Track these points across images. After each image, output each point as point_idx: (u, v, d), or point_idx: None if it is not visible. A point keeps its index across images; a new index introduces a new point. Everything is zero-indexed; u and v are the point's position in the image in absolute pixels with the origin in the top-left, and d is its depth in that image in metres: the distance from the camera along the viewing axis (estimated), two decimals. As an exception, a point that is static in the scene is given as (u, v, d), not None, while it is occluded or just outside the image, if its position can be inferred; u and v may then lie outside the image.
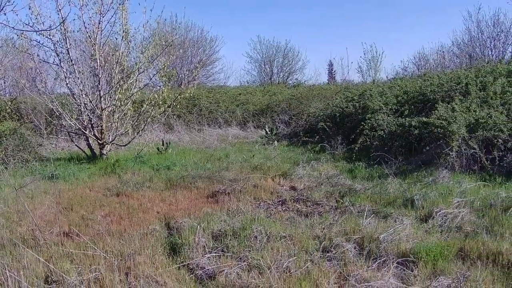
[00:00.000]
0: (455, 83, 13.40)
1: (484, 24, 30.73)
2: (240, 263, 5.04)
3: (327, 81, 40.48)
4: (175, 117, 19.58)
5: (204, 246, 5.61)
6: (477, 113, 10.78)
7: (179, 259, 5.35)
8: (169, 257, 5.43)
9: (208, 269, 5.02)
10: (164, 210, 7.65)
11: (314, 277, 4.62)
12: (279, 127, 18.72)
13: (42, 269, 4.90)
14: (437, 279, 4.66)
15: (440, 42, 41.04)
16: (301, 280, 4.53)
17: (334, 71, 44.28)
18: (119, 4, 11.60)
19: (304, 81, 38.15)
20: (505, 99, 11.44)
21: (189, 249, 5.57)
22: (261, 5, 71.49)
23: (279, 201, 8.27)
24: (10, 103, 18.88)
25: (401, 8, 66.19)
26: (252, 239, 5.72)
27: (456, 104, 11.35)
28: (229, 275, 4.75)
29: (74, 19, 11.64)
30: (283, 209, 7.75)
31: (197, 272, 4.97)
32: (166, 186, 9.51)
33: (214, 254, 5.40)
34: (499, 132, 9.97)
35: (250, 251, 5.34)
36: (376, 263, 5.04)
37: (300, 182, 9.51)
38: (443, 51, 32.71)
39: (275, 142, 15.44)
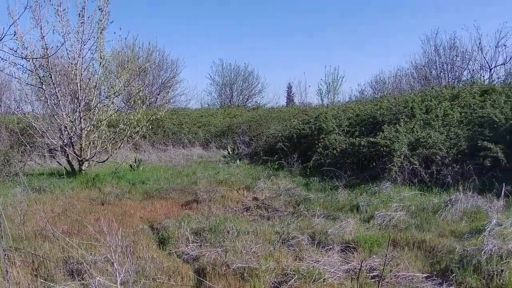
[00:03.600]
0: (402, 106, 14.98)
1: (441, 48, 32.30)
2: (217, 249, 6.52)
3: (286, 104, 42.15)
4: (140, 137, 20.87)
5: (187, 239, 7.10)
6: (418, 134, 12.24)
7: (168, 248, 6.83)
8: (159, 247, 6.90)
9: (192, 254, 6.52)
10: (146, 215, 9.03)
11: (276, 257, 6.10)
12: (240, 147, 19.94)
13: (61, 255, 6.29)
14: (371, 258, 6.17)
15: (398, 66, 42.81)
16: (266, 258, 6.02)
17: (293, 94, 45.80)
18: (99, 33, 13.05)
19: (264, 104, 39.70)
20: (446, 121, 12.98)
21: (175, 241, 7.07)
22: (222, 30, 72.91)
23: (244, 208, 9.74)
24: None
25: (363, 34, 68.27)
26: (225, 233, 7.19)
27: (400, 126, 12.89)
28: (209, 257, 6.22)
29: (57, 46, 13.07)
30: (248, 214, 9.26)
31: (184, 257, 6.46)
32: (143, 197, 10.88)
33: (196, 244, 6.90)
34: (437, 150, 11.40)
35: (224, 241, 6.81)
36: (325, 249, 6.58)
37: (262, 193, 10.97)
38: (400, 74, 34.51)
39: (237, 160, 16.77)
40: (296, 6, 71.20)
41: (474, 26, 42.78)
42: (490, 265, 5.52)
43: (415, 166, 11.33)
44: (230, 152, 18.42)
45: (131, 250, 6.42)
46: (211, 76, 44.86)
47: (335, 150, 13.37)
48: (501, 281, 5.25)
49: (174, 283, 5.32)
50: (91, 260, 5.82)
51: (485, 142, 10.83)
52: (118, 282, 4.53)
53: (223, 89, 43.78)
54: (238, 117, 26.40)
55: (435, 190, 10.38)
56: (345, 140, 13.69)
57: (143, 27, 63.11)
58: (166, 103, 15.59)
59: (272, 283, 5.41)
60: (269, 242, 6.89)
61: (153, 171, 14.65)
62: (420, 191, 10.36)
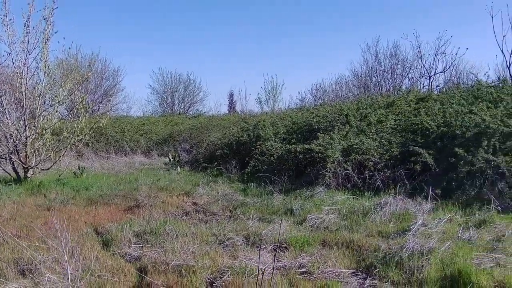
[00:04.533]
0: (338, 114, 15.54)
1: (382, 56, 32.92)
2: (157, 249, 6.99)
3: (227, 112, 42.47)
4: (84, 145, 20.99)
5: (129, 241, 7.54)
6: (352, 140, 12.73)
7: (111, 249, 7.26)
8: (103, 249, 7.33)
9: (134, 254, 6.97)
10: (90, 220, 9.38)
11: (212, 256, 6.61)
12: (181, 154, 20.22)
13: (11, 256, 6.65)
14: (301, 256, 6.74)
15: (339, 74, 43.33)
16: (203, 257, 6.52)
17: (235, 102, 46.34)
18: (44, 43, 13.31)
19: (205, 112, 40.01)
20: (380, 128, 13.56)
21: (118, 243, 7.50)
22: (164, 36, 72.93)
23: (184, 212, 10.17)
24: None
25: (305, 43, 69.57)
26: (165, 235, 7.63)
27: (334, 133, 13.46)
28: (150, 257, 6.68)
29: (3, 55, 13.28)
30: (187, 218, 9.68)
31: (126, 257, 6.89)
32: (87, 203, 11.18)
33: (137, 246, 7.35)
34: (370, 156, 11.87)
35: (164, 242, 7.27)
36: (258, 248, 7.09)
37: (201, 199, 11.41)
38: (341, 82, 34.92)
39: (178, 168, 17.09)
40: (237, 15, 71.98)
41: (413, 34, 43.04)
42: (412, 261, 6.04)
43: (348, 171, 11.77)
44: (171, 160, 18.72)
45: (78, 251, 6.82)
46: (151, 86, 45.28)
47: (272, 157, 13.83)
48: (421, 275, 5.75)
49: (117, 279, 5.79)
50: (40, 260, 6.21)
51: (416, 148, 11.31)
52: (69, 279, 4.95)
53: (164, 97, 44.11)
54: (179, 125, 26.70)
55: (367, 194, 10.87)
56: (282, 147, 14.12)
57: (86, 36, 62.56)
58: (109, 111, 15.77)
59: (208, 279, 5.91)
60: (206, 243, 7.37)
61: (96, 178, 14.88)
62: (353, 195, 10.85)
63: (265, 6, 70.74)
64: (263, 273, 5.52)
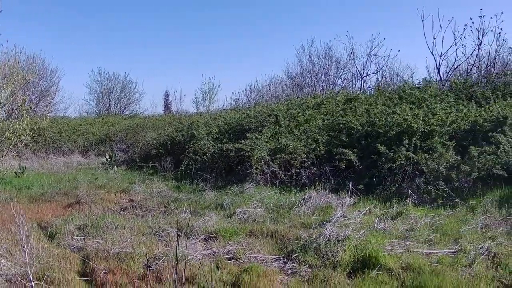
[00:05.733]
0: (268, 115, 16.07)
1: (316, 57, 32.76)
2: (99, 240, 7.62)
3: (163, 112, 42.40)
4: (23, 146, 21.00)
5: (72, 233, 8.14)
6: (280, 140, 13.28)
7: (56, 241, 7.85)
8: (49, 241, 7.90)
9: (77, 245, 7.60)
10: (34, 216, 9.83)
11: (148, 245, 7.29)
12: (118, 154, 20.43)
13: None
14: (229, 244, 7.47)
15: (273, 74, 43.23)
16: (139, 245, 7.20)
17: (170, 102, 46.34)
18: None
19: (141, 112, 40.05)
20: (308, 127, 14.10)
21: (62, 235, 8.09)
22: (102, 38, 72.25)
23: (121, 208, 10.75)
24: None
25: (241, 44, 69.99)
26: (105, 228, 8.22)
27: (264, 132, 14.05)
28: (92, 246, 7.31)
29: None
30: (125, 213, 10.26)
31: (70, 248, 7.51)
32: (30, 200, 11.59)
33: (80, 237, 7.98)
34: (297, 155, 12.33)
35: (104, 234, 7.89)
36: (191, 238, 7.80)
37: (137, 196, 11.95)
38: (275, 83, 34.70)
39: (115, 167, 17.44)
40: (176, 16, 72.08)
41: (347, 36, 43.23)
42: (328, 247, 6.71)
43: (275, 169, 12.29)
44: (108, 159, 19.08)
45: (26, 241, 7.39)
46: (89, 85, 44.77)
47: (204, 156, 14.30)
48: (336, 259, 6.43)
49: (64, 266, 6.42)
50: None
51: (341, 146, 11.92)
52: (27, 264, 5.55)
53: (101, 97, 43.80)
54: (115, 125, 26.88)
55: (293, 190, 11.39)
56: (214, 146, 14.59)
57: (25, 37, 61.46)
58: (49, 113, 15.95)
59: (145, 264, 6.60)
60: (142, 234, 7.98)
61: (37, 177, 15.17)
62: (280, 191, 11.42)
63: (202, 7, 71.07)
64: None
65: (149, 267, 6.52)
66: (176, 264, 4.68)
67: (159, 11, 72.06)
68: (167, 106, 46.47)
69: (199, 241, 7.76)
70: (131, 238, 7.59)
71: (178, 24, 72.91)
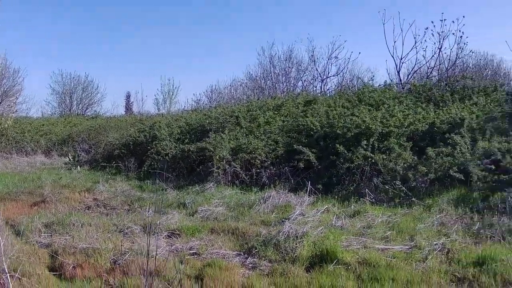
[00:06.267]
0: (229, 116, 16.27)
1: (277, 59, 32.85)
2: (66, 237, 7.83)
3: (124, 113, 42.21)
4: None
5: (40, 230, 8.30)
6: (240, 140, 13.45)
7: (24, 238, 8.00)
8: (17, 238, 8.05)
9: (45, 242, 7.77)
10: (1, 214, 10.00)
11: (113, 241, 7.52)
12: (80, 154, 20.35)
13: None
14: (192, 241, 7.75)
15: (234, 76, 43.26)
16: (105, 241, 7.43)
17: (131, 103, 46.09)
18: None
19: (103, 113, 39.72)
20: (268, 129, 14.25)
21: (29, 232, 8.22)
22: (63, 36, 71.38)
23: (86, 207, 10.90)
24: None
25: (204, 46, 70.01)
26: (71, 225, 8.43)
27: (225, 133, 14.18)
28: (60, 243, 7.51)
29: None
30: (90, 211, 10.45)
31: (38, 244, 7.69)
32: (-5, 199, 11.67)
33: (47, 234, 8.15)
34: (257, 155, 12.51)
35: (71, 231, 8.09)
36: (155, 235, 8.02)
37: (101, 195, 12.09)
38: (236, 85, 34.80)
39: (78, 167, 17.47)
40: (135, 16, 71.70)
41: (308, 39, 43.76)
42: (287, 243, 7.00)
43: (236, 169, 12.49)
44: (71, 159, 19.00)
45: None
46: (51, 86, 44.07)
47: (166, 156, 14.43)
48: (295, 254, 6.71)
49: (34, 260, 6.62)
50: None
51: (300, 147, 11.93)
52: (2, 257, 5.74)
53: (63, 98, 43.36)
54: (78, 125, 26.77)
55: (254, 189, 11.58)
56: (176, 147, 14.74)
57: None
58: (13, 113, 15.95)
59: (112, 258, 6.84)
60: (108, 232, 8.20)
61: (1, 176, 15.17)
62: (241, 190, 11.60)
63: (166, 6, 70.81)
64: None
65: (116, 261, 6.76)
66: (148, 258, 4.91)
67: (120, 10, 71.54)
68: (128, 107, 46.22)
69: (163, 238, 8.00)
70: (97, 235, 7.79)
71: (139, 24, 72.60)
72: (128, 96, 47.05)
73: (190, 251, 7.32)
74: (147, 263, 4.40)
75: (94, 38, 72.31)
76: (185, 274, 6.20)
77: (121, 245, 7.30)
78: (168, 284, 5.63)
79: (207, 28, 69.48)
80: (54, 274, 6.42)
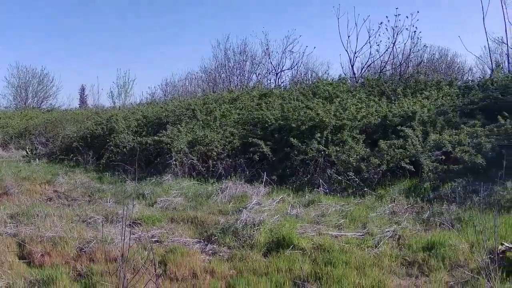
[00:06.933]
0: (185, 109, 16.45)
1: (232, 53, 32.87)
2: (32, 227, 8.02)
3: (79, 106, 41.97)
4: None
5: (5, 221, 8.46)
6: (197, 133, 13.62)
7: (-11, 229, 8.20)
8: (-18, 229, 8.23)
9: (11, 232, 7.92)
10: (-37, 207, 10.10)
11: (78, 230, 7.77)
12: (38, 147, 20.23)
13: None
14: (153, 229, 8.08)
15: (189, 69, 43.16)
16: (71, 231, 7.68)
17: (86, 96, 45.91)
18: None
19: (58, 106, 39.23)
20: (224, 121, 14.54)
21: (-6, 223, 8.43)
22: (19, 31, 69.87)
23: (48, 198, 11.06)
24: None
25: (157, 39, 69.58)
26: (36, 216, 8.56)
27: (182, 126, 14.41)
28: (26, 233, 7.70)
29: None
30: (52, 203, 10.56)
31: (4, 235, 7.85)
32: (-45, 192, 11.67)
33: (13, 225, 8.33)
34: (214, 147, 12.67)
35: (36, 221, 8.27)
36: (117, 224, 8.31)
37: (61, 187, 12.20)
38: (190, 78, 35.03)
39: (37, 159, 17.47)
40: (91, 8, 70.68)
41: (263, 32, 43.65)
42: (245, 230, 7.34)
43: (193, 161, 12.66)
44: (29, 152, 18.92)
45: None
46: (6, 79, 43.50)
47: (124, 148, 14.58)
48: (253, 241, 7.04)
49: (3, 249, 6.85)
50: None
51: (256, 139, 12.19)
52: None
53: (18, 91, 42.73)
54: (34, 119, 26.51)
55: (211, 181, 11.78)
56: (134, 139, 14.88)
57: None
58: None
59: (78, 246, 7.10)
60: (71, 222, 8.40)
61: (-40, 170, 15.08)
62: (198, 181, 11.81)
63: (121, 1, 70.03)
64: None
65: (82, 249, 7.03)
66: (123, 245, 5.21)
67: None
68: (83, 100, 45.93)
69: (125, 227, 8.30)
70: (61, 225, 7.99)
71: (91, 17, 71.65)
72: (83, 89, 46.96)
73: (152, 239, 7.61)
74: (123, 248, 4.68)
75: (49, 29, 70.91)
76: (149, 259, 6.52)
77: (86, 234, 7.59)
78: (134, 269, 5.92)
79: (163, 21, 68.77)
80: (23, 262, 6.64)
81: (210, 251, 7.16)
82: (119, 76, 38.85)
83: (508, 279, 5.37)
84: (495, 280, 4.89)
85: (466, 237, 6.73)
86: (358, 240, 7.15)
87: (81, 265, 6.41)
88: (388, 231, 7.35)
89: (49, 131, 22.55)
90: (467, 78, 24.83)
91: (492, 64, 18.51)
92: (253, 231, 7.32)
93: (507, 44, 17.49)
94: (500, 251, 5.91)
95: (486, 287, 4.36)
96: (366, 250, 6.74)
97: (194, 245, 7.39)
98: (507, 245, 5.96)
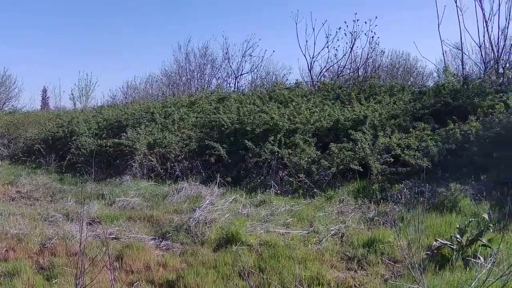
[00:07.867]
0: (145, 112, 16.50)
1: (193, 56, 32.10)
2: (-5, 226, 8.36)
3: (40, 108, 41.30)
4: None
5: (-30, 220, 8.77)
6: (156, 136, 13.77)
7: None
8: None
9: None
10: None
11: (40, 227, 8.09)
12: (0, 149, 20.13)
13: None
14: (111, 227, 8.43)
15: (150, 72, 42.59)
16: (33, 228, 8.02)
17: (48, 98, 45.30)
18: None
19: (20, 108, 38.23)
20: (182, 124, 14.62)
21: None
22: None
23: (10, 198, 11.29)
24: None
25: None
26: (0, 215, 8.95)
27: (141, 129, 14.47)
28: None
29: None
30: (14, 202, 10.82)
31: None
32: None
33: (-23, 223, 8.63)
34: (171, 149, 12.87)
35: (0, 220, 8.61)
36: (77, 222, 8.58)
37: (24, 187, 12.36)
38: (151, 81, 34.16)
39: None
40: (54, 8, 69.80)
41: (222, 36, 43.04)
42: (197, 228, 7.75)
43: (152, 163, 12.88)
44: (-9, 154, 18.83)
45: None
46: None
47: (85, 151, 14.61)
48: (204, 238, 7.44)
49: (-31, 245, 7.19)
50: None
51: (212, 142, 12.29)
52: None
53: (-20, 93, 41.65)
54: (-4, 121, 26.22)
55: (168, 182, 11.97)
56: (94, 142, 14.89)
57: None
58: None
59: (40, 242, 7.47)
60: (34, 220, 8.74)
61: None
62: (156, 182, 11.99)
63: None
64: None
65: (44, 245, 7.38)
66: (81, 239, 5.62)
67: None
68: (45, 102, 45.35)
69: (84, 225, 8.60)
70: (24, 223, 8.34)
71: (52, 19, 70.64)
72: (44, 91, 46.17)
73: (110, 236, 7.96)
74: (81, 243, 5.09)
75: (12, 31, 69.59)
76: (107, 254, 6.92)
77: (48, 231, 7.95)
78: (93, 262, 6.32)
79: (125, 23, 68.33)
80: (-12, 257, 6.97)
81: (164, 247, 7.56)
82: (80, 78, 38.31)
83: (439, 272, 5.87)
84: (426, 274, 5.36)
85: (406, 235, 7.07)
86: (303, 237, 7.51)
87: (43, 259, 6.81)
88: (333, 229, 7.66)
89: (12, 133, 22.20)
90: (426, 83, 25.26)
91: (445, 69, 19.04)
92: (205, 229, 7.70)
93: (461, 50, 18.13)
94: (435, 247, 6.45)
95: (418, 280, 4.78)
96: (309, 246, 7.10)
97: (149, 241, 7.78)
98: (441, 241, 6.45)
